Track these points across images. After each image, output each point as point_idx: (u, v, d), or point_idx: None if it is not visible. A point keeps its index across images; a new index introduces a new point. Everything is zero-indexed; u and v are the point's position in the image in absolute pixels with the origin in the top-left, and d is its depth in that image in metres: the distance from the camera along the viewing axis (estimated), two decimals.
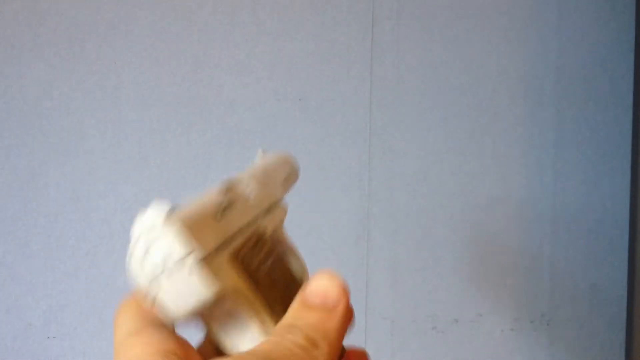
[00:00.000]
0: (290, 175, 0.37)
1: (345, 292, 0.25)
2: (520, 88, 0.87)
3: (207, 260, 0.24)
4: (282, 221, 0.33)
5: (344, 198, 0.86)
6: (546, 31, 0.87)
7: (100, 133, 0.84)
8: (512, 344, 0.88)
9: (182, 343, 0.24)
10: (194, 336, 0.27)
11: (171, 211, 0.24)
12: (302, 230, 0.85)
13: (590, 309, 0.89)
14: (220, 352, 0.26)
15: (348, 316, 0.25)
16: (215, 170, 0.84)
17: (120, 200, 0.84)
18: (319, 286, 0.25)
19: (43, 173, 0.83)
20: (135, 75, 0.84)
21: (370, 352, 0.98)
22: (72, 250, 0.84)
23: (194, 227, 0.24)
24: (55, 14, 0.83)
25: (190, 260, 0.23)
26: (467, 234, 0.87)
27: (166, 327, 0.24)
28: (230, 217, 0.27)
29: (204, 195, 0.27)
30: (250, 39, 0.85)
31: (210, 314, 0.25)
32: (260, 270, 0.28)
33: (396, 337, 0.87)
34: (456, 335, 0.88)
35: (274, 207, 0.33)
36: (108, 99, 0.84)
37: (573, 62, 0.87)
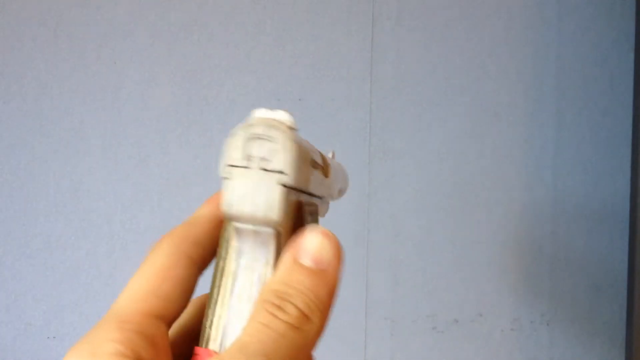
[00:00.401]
0: (343, 189, 0.36)
1: (341, 253, 0.23)
2: (520, 88, 0.87)
3: (289, 192, 0.24)
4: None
5: (344, 198, 0.86)
6: (546, 31, 0.87)
7: (100, 133, 0.84)
8: (512, 344, 0.88)
9: (156, 345, 0.22)
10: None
11: (293, 129, 0.24)
12: None
13: (590, 309, 0.89)
14: (191, 341, 0.26)
15: (338, 282, 0.23)
16: (215, 170, 0.84)
17: (120, 200, 0.84)
18: (313, 244, 0.23)
19: (43, 173, 0.83)
20: (135, 75, 0.84)
21: (370, 352, 0.98)
22: (72, 250, 0.84)
23: (299, 157, 0.24)
24: (55, 14, 0.83)
25: (281, 179, 0.23)
26: (467, 234, 0.87)
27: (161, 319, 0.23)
28: (314, 177, 0.27)
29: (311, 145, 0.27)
30: (250, 39, 0.85)
31: (244, 234, 0.25)
32: None
33: (396, 337, 0.87)
34: (456, 335, 0.88)
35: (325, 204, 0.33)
36: (108, 99, 0.84)
37: (573, 62, 0.87)
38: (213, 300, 0.25)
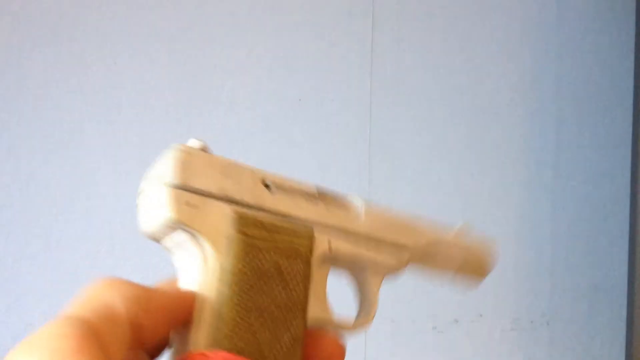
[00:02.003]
0: (474, 266, 0.36)
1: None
2: (520, 88, 0.87)
3: (183, 190, 0.25)
4: (361, 269, 0.33)
5: None
6: (546, 31, 0.87)
7: (100, 133, 0.84)
8: (512, 344, 0.88)
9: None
10: None
11: (192, 146, 0.27)
12: None
13: (590, 309, 0.89)
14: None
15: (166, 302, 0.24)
16: None
17: (120, 200, 0.84)
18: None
19: (43, 173, 0.84)
20: (135, 75, 0.84)
21: (370, 352, 0.98)
22: (72, 250, 0.84)
23: (198, 163, 0.26)
24: (55, 14, 0.83)
25: (164, 181, 0.25)
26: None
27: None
28: (280, 197, 0.28)
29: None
30: (250, 39, 0.85)
31: (173, 249, 0.27)
32: (266, 266, 0.27)
33: (396, 337, 0.87)
34: (456, 335, 0.88)
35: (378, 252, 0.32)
36: (108, 99, 0.84)
37: (573, 62, 0.87)
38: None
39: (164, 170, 0.26)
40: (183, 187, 0.25)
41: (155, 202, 0.26)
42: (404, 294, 0.87)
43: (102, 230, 0.84)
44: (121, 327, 0.21)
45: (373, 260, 0.32)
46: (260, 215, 0.27)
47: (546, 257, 0.88)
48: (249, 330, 0.25)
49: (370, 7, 0.85)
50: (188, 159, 0.26)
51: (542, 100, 0.87)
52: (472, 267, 0.36)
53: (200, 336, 0.24)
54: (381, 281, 0.34)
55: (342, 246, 0.31)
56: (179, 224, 0.25)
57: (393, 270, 0.34)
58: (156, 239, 0.27)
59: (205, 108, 0.84)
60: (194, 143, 0.27)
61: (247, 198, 0.27)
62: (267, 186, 0.28)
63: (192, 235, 0.26)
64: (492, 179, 0.87)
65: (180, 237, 0.26)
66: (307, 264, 0.28)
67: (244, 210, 0.27)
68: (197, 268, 0.26)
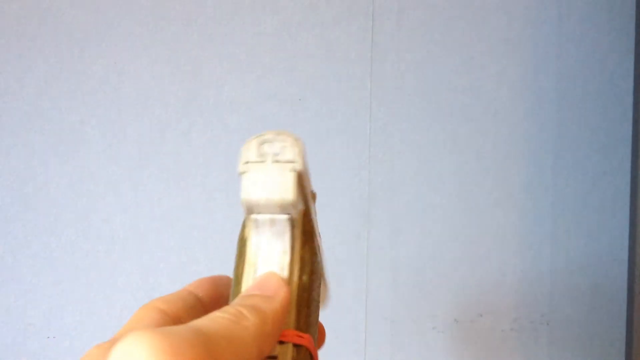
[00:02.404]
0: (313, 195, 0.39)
1: (283, 287, 0.27)
2: (520, 88, 0.87)
3: (300, 179, 0.28)
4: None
5: (344, 198, 0.86)
6: (546, 31, 0.87)
7: (100, 133, 0.84)
8: (512, 344, 0.88)
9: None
10: None
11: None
12: None
13: (590, 309, 0.89)
14: None
15: (285, 307, 0.27)
16: (215, 170, 0.84)
17: (120, 200, 0.84)
18: (259, 280, 0.27)
19: (43, 173, 0.83)
20: (135, 75, 0.84)
21: (370, 352, 0.97)
22: (72, 250, 0.84)
23: (306, 154, 0.28)
24: (56, 14, 0.83)
25: (292, 166, 0.27)
26: (467, 233, 0.87)
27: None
28: (313, 204, 0.31)
29: None
30: (250, 39, 0.85)
31: (261, 226, 0.28)
32: (319, 264, 0.31)
33: (396, 337, 0.87)
34: (456, 335, 0.88)
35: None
36: (108, 99, 0.84)
37: (573, 62, 0.87)
38: (235, 295, 0.28)
39: (291, 155, 0.27)
40: (299, 178, 0.28)
41: (275, 180, 0.27)
42: (403, 294, 0.87)
43: (102, 230, 0.84)
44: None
45: None
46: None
47: (546, 257, 0.88)
48: (314, 318, 0.29)
49: (370, 7, 0.85)
50: (306, 163, 0.28)
51: (542, 100, 0.87)
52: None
53: (290, 318, 0.27)
54: None
55: None
56: (292, 209, 0.27)
57: None
58: (254, 212, 0.28)
59: (205, 108, 0.84)
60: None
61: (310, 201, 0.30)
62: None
63: (292, 223, 0.28)
64: (492, 179, 0.87)
65: (281, 220, 0.28)
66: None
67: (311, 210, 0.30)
68: (281, 254, 0.28)
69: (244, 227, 0.29)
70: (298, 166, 0.27)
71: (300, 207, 0.28)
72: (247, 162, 0.28)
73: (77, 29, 0.83)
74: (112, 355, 0.20)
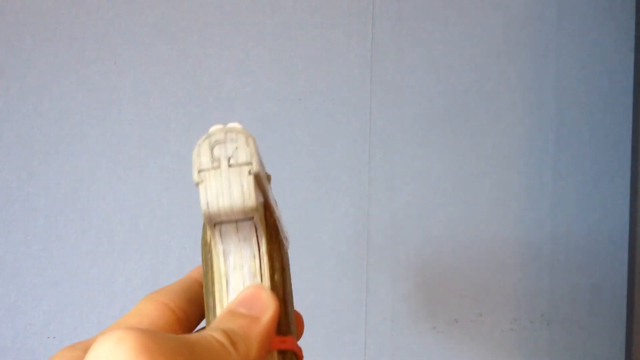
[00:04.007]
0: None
1: (272, 305, 0.26)
2: (520, 88, 0.87)
3: (258, 181, 0.26)
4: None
5: (344, 198, 0.86)
6: (546, 31, 0.87)
7: (100, 133, 0.84)
8: (512, 344, 0.88)
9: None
10: None
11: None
12: (302, 231, 0.85)
13: (590, 309, 0.89)
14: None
15: (273, 327, 0.26)
16: None
17: (120, 200, 0.84)
18: (246, 296, 0.26)
19: (43, 173, 0.83)
20: (135, 75, 0.84)
21: (370, 352, 0.97)
22: (72, 250, 0.84)
23: (258, 151, 0.27)
24: (55, 14, 0.83)
25: (249, 169, 0.26)
26: (467, 233, 0.87)
27: None
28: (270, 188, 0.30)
29: None
30: (250, 39, 0.85)
31: (226, 234, 0.28)
32: (286, 256, 0.30)
33: (396, 337, 0.87)
34: (456, 335, 0.88)
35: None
36: (108, 99, 0.84)
37: (573, 62, 0.87)
38: (211, 307, 0.27)
39: (246, 156, 0.26)
40: (257, 178, 0.27)
41: (234, 187, 0.26)
42: (403, 294, 0.87)
43: (102, 230, 0.84)
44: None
45: None
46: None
47: (546, 257, 0.88)
48: (291, 312, 0.28)
49: (370, 7, 0.85)
50: (259, 154, 0.27)
51: (542, 100, 0.87)
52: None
53: (281, 323, 0.27)
54: None
55: None
56: (253, 213, 0.26)
57: None
58: (216, 221, 0.27)
59: (205, 108, 0.84)
60: (241, 127, 0.28)
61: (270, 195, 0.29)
62: None
63: (256, 224, 0.27)
64: (492, 179, 0.87)
65: (245, 224, 0.27)
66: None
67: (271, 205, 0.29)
68: (250, 258, 0.27)
69: (205, 232, 0.28)
70: (255, 168, 0.26)
71: (261, 200, 0.28)
72: (200, 171, 0.26)
73: (77, 29, 0.83)
74: (92, 352, 0.20)
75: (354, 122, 0.86)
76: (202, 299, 0.28)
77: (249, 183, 0.26)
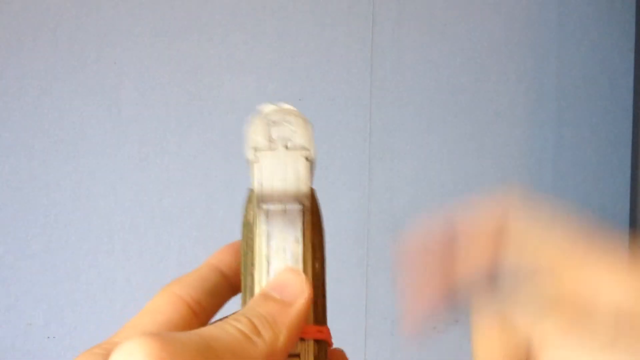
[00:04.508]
0: None
1: (306, 291, 0.26)
2: (520, 88, 0.87)
3: (311, 165, 0.26)
4: None
5: (344, 198, 0.86)
6: (546, 31, 0.87)
7: (100, 133, 0.84)
8: None
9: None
10: None
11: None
12: None
13: None
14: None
15: (304, 314, 0.25)
16: (215, 170, 0.84)
17: (120, 200, 0.84)
18: (280, 279, 0.26)
19: (43, 173, 0.84)
20: (135, 75, 0.84)
21: (370, 352, 0.97)
22: (72, 250, 0.84)
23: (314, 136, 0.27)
24: (55, 14, 0.83)
25: (306, 154, 0.26)
26: None
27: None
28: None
29: None
30: (250, 39, 0.85)
31: (273, 216, 0.27)
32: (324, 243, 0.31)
33: (396, 337, 0.87)
34: (456, 335, 0.88)
35: None
36: (108, 99, 0.84)
37: (573, 62, 0.87)
38: (248, 286, 0.27)
39: (303, 141, 0.26)
40: (312, 165, 0.27)
41: (289, 171, 0.26)
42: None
43: (102, 230, 0.84)
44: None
45: None
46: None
47: None
48: (325, 304, 0.28)
49: (370, 7, 0.85)
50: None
51: (542, 100, 0.87)
52: None
53: (309, 312, 0.26)
54: None
55: None
56: (303, 199, 0.26)
57: None
58: (266, 201, 0.27)
59: (205, 108, 0.84)
60: (295, 109, 0.28)
61: None
62: None
63: (304, 211, 0.27)
64: (492, 178, 0.87)
65: (294, 209, 0.27)
66: None
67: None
68: (294, 243, 0.27)
69: (248, 212, 0.28)
70: (312, 154, 0.26)
71: (311, 200, 0.28)
72: (255, 149, 0.27)
73: (77, 29, 0.83)
74: None
75: (354, 122, 0.86)
76: (220, 289, 0.28)
77: (305, 168, 0.26)
